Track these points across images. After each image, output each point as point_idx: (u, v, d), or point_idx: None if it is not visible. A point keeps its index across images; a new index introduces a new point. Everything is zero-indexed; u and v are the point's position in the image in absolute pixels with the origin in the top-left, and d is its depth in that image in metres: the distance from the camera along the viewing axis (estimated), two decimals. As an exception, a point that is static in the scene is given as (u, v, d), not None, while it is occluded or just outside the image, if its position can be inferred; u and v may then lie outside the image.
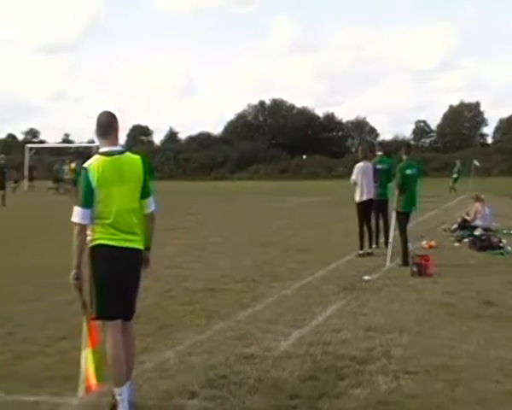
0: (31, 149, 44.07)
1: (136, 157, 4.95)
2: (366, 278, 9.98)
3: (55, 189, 38.52)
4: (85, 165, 4.74)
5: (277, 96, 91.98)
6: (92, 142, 47.68)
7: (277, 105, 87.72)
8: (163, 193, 33.36)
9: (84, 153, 45.42)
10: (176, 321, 7.40)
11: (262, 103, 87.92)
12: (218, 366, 5.76)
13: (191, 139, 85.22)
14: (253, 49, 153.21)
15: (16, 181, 39.65)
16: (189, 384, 5.30)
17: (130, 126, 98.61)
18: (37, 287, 9.34)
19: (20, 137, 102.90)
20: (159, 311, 7.85)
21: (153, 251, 5.13)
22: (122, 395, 4.71)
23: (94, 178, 4.66)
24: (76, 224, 4.68)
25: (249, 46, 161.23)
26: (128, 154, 4.91)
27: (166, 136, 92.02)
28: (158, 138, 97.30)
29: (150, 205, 5.04)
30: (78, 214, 4.68)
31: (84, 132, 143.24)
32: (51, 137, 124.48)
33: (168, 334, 6.84)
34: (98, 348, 4.79)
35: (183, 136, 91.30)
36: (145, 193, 4.96)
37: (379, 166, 13.52)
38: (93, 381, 4.73)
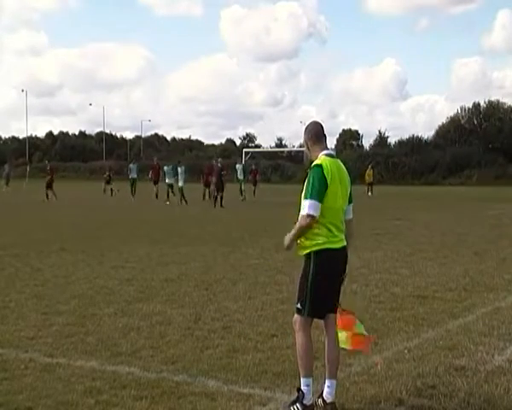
0: (246, 153, 46.18)
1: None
2: None
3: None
4: (318, 162, 4.92)
5: (494, 98, 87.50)
6: (303, 146, 48.77)
7: (494, 108, 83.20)
8: (373, 198, 33.35)
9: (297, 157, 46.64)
10: (384, 326, 7.36)
11: (477, 106, 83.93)
12: (426, 376, 5.64)
13: (401, 143, 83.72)
14: (469, 50, 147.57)
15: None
16: (396, 391, 5.26)
17: (339, 131, 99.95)
18: (249, 286, 9.79)
19: (238, 142, 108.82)
20: (367, 315, 7.85)
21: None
22: (310, 385, 4.84)
23: (328, 175, 4.86)
24: (309, 215, 4.79)
25: (464, 47, 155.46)
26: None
27: (376, 140, 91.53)
28: (367, 143, 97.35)
29: (351, 211, 5.23)
30: (313, 207, 4.80)
31: (296, 137, 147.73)
32: (266, 142, 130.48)
33: (376, 339, 6.81)
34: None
35: (392, 140, 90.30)
36: (350, 199, 5.17)
37: None
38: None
